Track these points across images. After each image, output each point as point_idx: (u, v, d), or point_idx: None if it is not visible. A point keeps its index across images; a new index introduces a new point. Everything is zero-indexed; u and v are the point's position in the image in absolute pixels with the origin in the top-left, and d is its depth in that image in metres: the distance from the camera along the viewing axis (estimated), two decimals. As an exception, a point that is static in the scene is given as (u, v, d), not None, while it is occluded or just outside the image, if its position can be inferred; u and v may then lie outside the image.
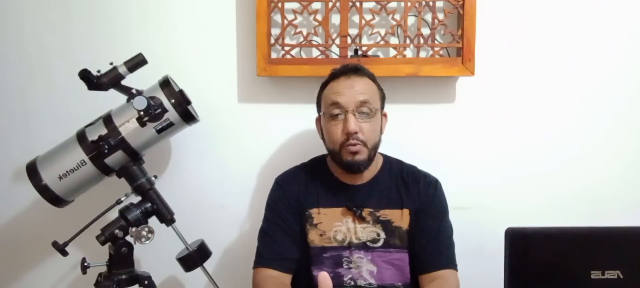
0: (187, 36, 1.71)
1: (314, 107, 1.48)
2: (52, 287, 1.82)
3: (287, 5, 1.65)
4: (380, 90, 1.44)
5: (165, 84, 1.44)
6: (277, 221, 1.45)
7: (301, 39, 1.67)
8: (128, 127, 1.40)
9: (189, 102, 1.46)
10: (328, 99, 1.40)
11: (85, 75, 1.36)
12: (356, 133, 1.35)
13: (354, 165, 1.38)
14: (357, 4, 1.62)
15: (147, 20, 1.71)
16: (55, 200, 1.42)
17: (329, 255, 1.43)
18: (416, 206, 1.43)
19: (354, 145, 1.36)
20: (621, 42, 1.67)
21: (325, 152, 1.49)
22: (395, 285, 1.43)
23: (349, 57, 1.64)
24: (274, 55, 1.68)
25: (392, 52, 1.67)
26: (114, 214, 1.43)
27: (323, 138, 1.46)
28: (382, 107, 1.44)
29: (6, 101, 1.77)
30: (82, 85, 1.37)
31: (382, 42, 1.66)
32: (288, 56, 1.66)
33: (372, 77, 1.43)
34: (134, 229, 1.39)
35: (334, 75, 1.42)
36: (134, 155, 1.44)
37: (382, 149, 1.46)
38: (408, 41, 1.64)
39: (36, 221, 1.77)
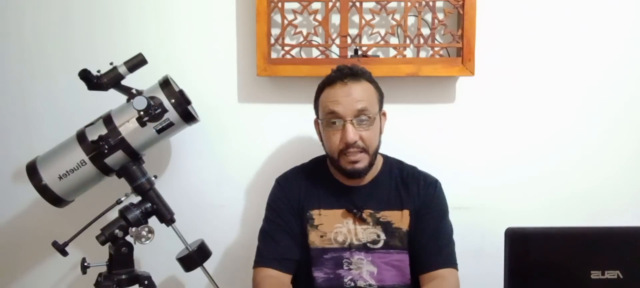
0: (187, 36, 1.71)
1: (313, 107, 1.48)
2: (52, 287, 1.82)
3: (287, 5, 1.65)
4: (378, 91, 1.42)
5: (165, 84, 1.43)
6: (277, 221, 1.45)
7: (301, 39, 1.67)
8: (128, 127, 1.40)
9: (189, 102, 1.46)
10: (325, 107, 1.38)
11: (85, 75, 1.36)
12: (355, 142, 1.34)
13: (354, 173, 1.38)
14: (357, 4, 1.62)
15: (147, 20, 1.71)
16: (55, 200, 1.42)
17: (329, 257, 1.43)
18: (416, 206, 1.43)
19: (354, 153, 1.35)
20: (621, 42, 1.67)
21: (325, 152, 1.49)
22: (396, 286, 1.43)
23: (349, 57, 1.64)
24: (274, 55, 1.68)
25: (392, 52, 1.67)
26: (114, 214, 1.43)
27: (322, 140, 1.46)
28: (381, 108, 1.43)
29: (6, 101, 1.77)
30: (82, 85, 1.37)
31: (382, 42, 1.66)
32: (288, 56, 1.66)
33: (369, 78, 1.41)
34: (134, 229, 1.39)
35: (330, 81, 1.38)
36: (134, 155, 1.44)
37: (382, 149, 1.46)
38: (408, 41, 1.64)
39: (36, 221, 1.77)
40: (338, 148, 1.37)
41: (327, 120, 1.38)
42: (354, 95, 1.35)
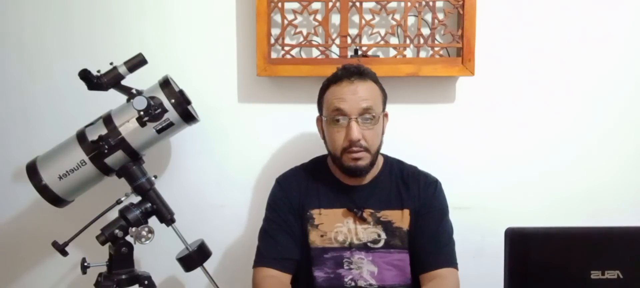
0: (187, 36, 1.71)
1: (314, 107, 1.48)
2: (52, 287, 1.82)
3: (287, 5, 1.65)
4: (383, 92, 1.43)
5: (165, 84, 1.43)
6: (277, 221, 1.45)
7: (301, 39, 1.67)
8: (128, 127, 1.40)
9: (189, 102, 1.46)
10: (331, 104, 1.38)
11: (85, 75, 1.36)
12: (359, 140, 1.35)
13: (356, 171, 1.38)
14: (357, 4, 1.62)
15: (147, 20, 1.71)
16: (55, 200, 1.42)
17: (329, 256, 1.43)
18: (416, 206, 1.43)
19: (357, 151, 1.35)
20: (621, 41, 1.67)
21: (325, 152, 1.49)
22: (396, 286, 1.43)
23: (349, 57, 1.64)
24: (274, 55, 1.68)
25: (392, 52, 1.67)
26: (114, 214, 1.43)
27: (324, 138, 1.46)
28: (384, 108, 1.44)
29: (6, 101, 1.77)
30: (82, 85, 1.37)
31: (382, 42, 1.66)
32: (288, 56, 1.66)
33: (374, 78, 1.41)
34: (134, 229, 1.39)
35: (337, 79, 1.39)
36: (134, 155, 1.44)
37: (382, 149, 1.46)
38: (408, 41, 1.64)
39: (36, 221, 1.77)
40: (342, 146, 1.37)
41: (331, 117, 1.38)
42: (360, 94, 1.36)
